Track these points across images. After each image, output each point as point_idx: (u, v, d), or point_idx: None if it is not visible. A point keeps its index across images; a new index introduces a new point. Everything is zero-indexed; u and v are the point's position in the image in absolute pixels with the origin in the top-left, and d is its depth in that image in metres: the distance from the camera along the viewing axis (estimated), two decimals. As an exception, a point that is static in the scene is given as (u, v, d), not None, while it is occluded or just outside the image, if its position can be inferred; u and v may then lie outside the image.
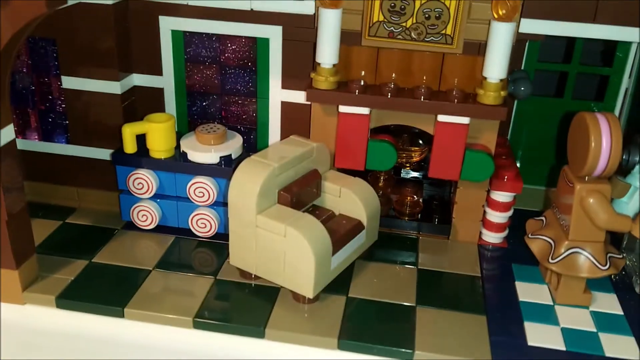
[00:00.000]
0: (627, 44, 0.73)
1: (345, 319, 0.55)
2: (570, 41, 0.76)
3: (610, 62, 0.75)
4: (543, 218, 0.61)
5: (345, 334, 0.53)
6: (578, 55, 0.75)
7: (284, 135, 0.67)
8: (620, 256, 0.57)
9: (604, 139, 0.52)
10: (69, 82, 0.65)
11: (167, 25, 0.65)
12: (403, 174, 0.77)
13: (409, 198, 0.70)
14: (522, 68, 0.74)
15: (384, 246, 0.66)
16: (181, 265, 0.62)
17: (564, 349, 0.52)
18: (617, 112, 0.76)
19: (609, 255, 0.56)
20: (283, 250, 0.55)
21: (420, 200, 0.70)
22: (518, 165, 0.80)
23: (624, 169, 0.60)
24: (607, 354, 0.52)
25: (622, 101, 0.75)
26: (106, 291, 0.57)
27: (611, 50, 0.75)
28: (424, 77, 0.63)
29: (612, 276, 0.62)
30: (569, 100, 0.77)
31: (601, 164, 0.53)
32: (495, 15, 0.57)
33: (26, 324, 0.56)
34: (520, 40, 0.66)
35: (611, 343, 0.53)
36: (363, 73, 0.64)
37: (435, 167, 0.63)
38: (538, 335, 0.54)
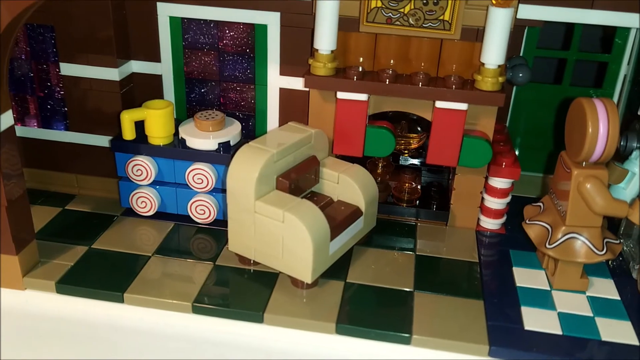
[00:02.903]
0: (626, 31, 0.73)
1: (343, 304, 0.55)
2: (569, 27, 0.76)
3: (609, 48, 0.75)
4: (540, 204, 0.61)
5: (343, 319, 0.53)
6: (577, 41, 0.75)
7: (283, 121, 0.68)
8: (617, 241, 0.57)
9: (601, 124, 0.52)
10: (68, 69, 0.65)
11: (165, 11, 0.65)
12: (402, 161, 0.77)
13: (407, 185, 0.70)
14: (521, 54, 0.74)
15: (383, 232, 0.66)
16: (180, 251, 0.62)
17: (560, 333, 0.53)
18: (615, 98, 0.76)
19: (606, 240, 0.56)
20: (281, 235, 0.55)
21: (419, 187, 0.70)
22: (516, 152, 0.80)
23: (621, 155, 0.60)
24: (604, 338, 0.52)
25: (620, 88, 0.75)
26: (106, 276, 0.57)
27: (610, 37, 0.75)
28: (422, 64, 0.63)
29: (610, 262, 0.63)
30: (567, 86, 0.77)
31: (598, 149, 0.53)
32: (494, 2, 0.57)
33: (26, 309, 0.56)
34: (518, 26, 0.66)
35: (608, 327, 0.53)
36: (361, 59, 0.64)
37: (433, 153, 0.63)
38: (535, 319, 0.54)
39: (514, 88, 0.76)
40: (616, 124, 0.53)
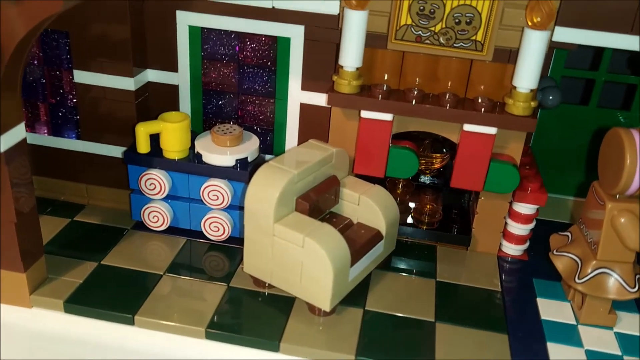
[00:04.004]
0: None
1: (362, 334, 0.53)
2: (599, 48, 0.74)
3: (638, 70, 0.72)
4: (569, 234, 0.59)
5: (362, 351, 0.51)
6: (606, 63, 0.72)
7: (302, 137, 0.65)
8: (649, 278, 0.55)
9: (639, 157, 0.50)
10: (81, 77, 0.63)
11: (185, 20, 0.62)
12: (423, 180, 0.74)
13: (428, 206, 0.68)
14: (549, 74, 0.72)
15: (402, 255, 0.64)
16: (193, 269, 0.60)
17: (589, 373, 0.51)
18: (643, 122, 0.74)
19: (638, 276, 0.54)
20: (300, 260, 0.53)
21: (440, 208, 0.68)
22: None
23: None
24: (633, 380, 0.50)
25: (649, 111, 0.73)
26: (116, 296, 0.55)
27: (639, 58, 0.72)
28: (450, 83, 0.61)
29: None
30: (594, 108, 0.74)
31: (635, 183, 0.51)
32: (530, 23, 0.55)
33: (33, 328, 0.54)
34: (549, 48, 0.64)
35: (637, 368, 0.51)
36: (386, 77, 0.61)
37: (458, 177, 0.61)
38: (562, 357, 0.52)
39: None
40: (655, 157, 0.50)
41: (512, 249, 0.66)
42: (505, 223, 0.65)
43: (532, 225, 0.64)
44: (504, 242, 0.66)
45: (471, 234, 0.66)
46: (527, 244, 0.66)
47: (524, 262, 0.65)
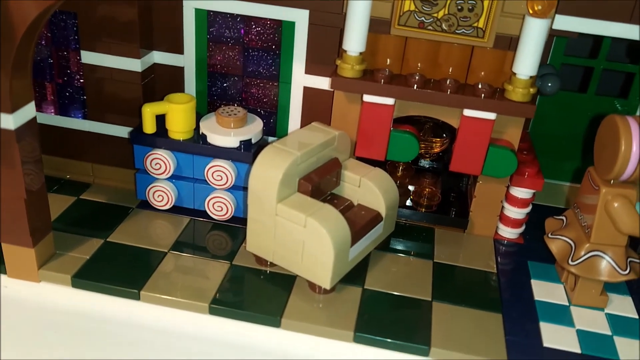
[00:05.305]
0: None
1: (360, 312, 0.55)
2: (598, 36, 0.75)
3: (636, 58, 0.74)
4: (563, 218, 0.61)
5: (361, 327, 0.53)
6: (605, 51, 0.74)
7: (305, 120, 0.67)
8: (639, 260, 0.57)
9: (634, 143, 0.51)
10: (89, 57, 0.64)
11: (191, 3, 0.63)
12: (422, 164, 0.76)
13: (427, 189, 0.69)
14: (548, 62, 0.73)
15: (401, 237, 0.66)
16: (196, 247, 0.61)
17: (579, 351, 0.52)
18: (640, 110, 0.75)
19: (630, 259, 0.55)
20: (302, 240, 0.54)
21: (439, 192, 0.70)
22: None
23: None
24: (622, 358, 0.52)
25: (646, 99, 0.75)
26: (122, 272, 0.57)
27: (638, 47, 0.73)
28: (451, 69, 0.62)
29: (629, 278, 0.62)
30: (592, 95, 0.76)
31: (630, 169, 0.52)
32: (531, 11, 0.56)
33: (40, 302, 0.56)
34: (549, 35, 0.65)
35: (626, 347, 0.53)
36: (389, 61, 0.63)
37: (457, 161, 0.63)
38: (553, 336, 0.54)
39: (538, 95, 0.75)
40: (650, 143, 0.52)
41: (509, 232, 0.67)
42: (502, 207, 0.67)
43: (528, 209, 0.66)
44: (501, 226, 0.67)
45: (469, 217, 0.67)
46: (523, 227, 0.67)
47: (520, 245, 0.67)
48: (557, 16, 0.57)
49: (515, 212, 0.66)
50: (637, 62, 0.74)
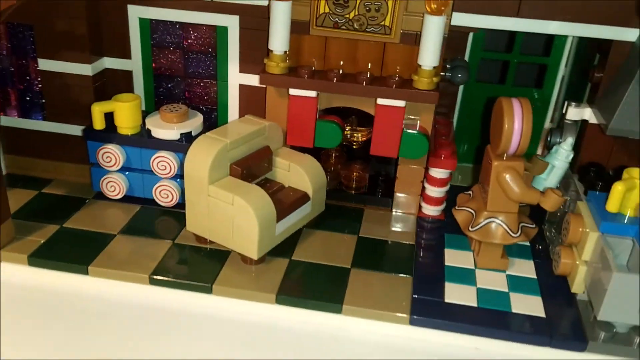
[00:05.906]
0: (563, 35, 0.79)
1: (285, 278, 0.62)
2: (513, 32, 0.82)
3: (549, 51, 0.81)
4: (471, 192, 0.68)
5: (282, 291, 0.60)
6: (518, 45, 0.81)
7: (242, 114, 0.74)
8: (532, 226, 0.64)
9: (516, 121, 0.59)
10: (45, 65, 0.71)
11: (135, 13, 0.71)
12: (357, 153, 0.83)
13: (355, 174, 0.76)
14: (467, 57, 0.81)
15: (331, 217, 0.72)
16: (144, 230, 0.68)
17: (475, 305, 0.59)
18: (554, 97, 0.82)
19: (522, 224, 0.62)
20: (231, 216, 0.61)
21: (366, 175, 0.77)
22: (465, 146, 0.87)
23: (548, 149, 0.67)
24: (514, 310, 0.59)
25: (559, 88, 0.82)
26: (73, 252, 0.64)
27: (550, 41, 0.81)
28: (369, 64, 0.70)
29: (536, 246, 0.69)
30: (510, 86, 0.83)
31: (514, 143, 0.59)
32: (428, 9, 0.63)
33: (1, 280, 0.62)
34: (463, 32, 0.72)
35: (519, 301, 0.60)
36: (314, 60, 0.70)
37: (376, 145, 0.70)
38: (455, 293, 0.60)
39: (462, 87, 0.83)
40: (530, 121, 0.59)
41: (431, 210, 0.74)
42: (424, 187, 0.74)
43: (446, 188, 0.73)
44: (424, 204, 0.74)
45: (393, 197, 0.74)
46: (444, 205, 0.74)
47: (441, 221, 0.74)
48: (455, 14, 0.65)
49: (435, 191, 0.73)
50: (549, 54, 0.81)
